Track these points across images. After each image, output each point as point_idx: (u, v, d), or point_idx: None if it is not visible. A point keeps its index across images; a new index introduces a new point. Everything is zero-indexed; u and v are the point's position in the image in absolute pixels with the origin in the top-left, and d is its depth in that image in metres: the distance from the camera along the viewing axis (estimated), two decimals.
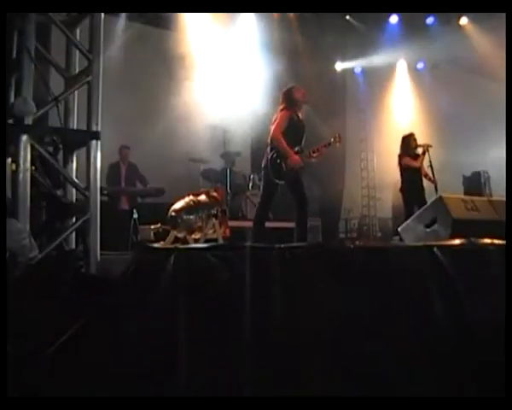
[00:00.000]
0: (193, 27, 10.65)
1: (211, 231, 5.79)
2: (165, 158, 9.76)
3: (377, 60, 13.14)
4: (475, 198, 5.50)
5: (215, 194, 6.17)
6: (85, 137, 3.93)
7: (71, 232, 4.02)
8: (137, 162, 9.36)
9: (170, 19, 10.29)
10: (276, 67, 10.56)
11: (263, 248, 3.01)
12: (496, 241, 3.41)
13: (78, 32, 4.26)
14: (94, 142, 3.86)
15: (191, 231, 5.75)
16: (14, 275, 3.08)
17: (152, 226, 6.61)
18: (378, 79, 13.36)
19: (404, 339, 2.86)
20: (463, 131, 12.02)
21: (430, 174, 8.32)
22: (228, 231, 6.24)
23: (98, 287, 2.99)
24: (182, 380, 2.49)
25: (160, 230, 6.54)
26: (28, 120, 3.64)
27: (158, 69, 10.08)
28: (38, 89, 3.88)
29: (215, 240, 5.76)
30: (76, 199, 4.25)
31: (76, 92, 4.21)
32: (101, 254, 3.84)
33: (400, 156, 8.46)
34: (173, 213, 5.69)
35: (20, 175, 3.58)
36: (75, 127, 4.35)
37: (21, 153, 3.58)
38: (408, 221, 5.35)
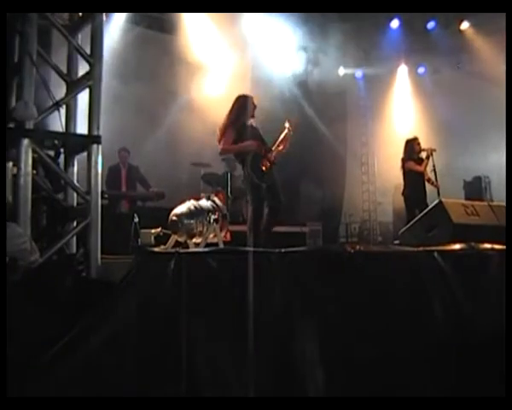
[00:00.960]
0: (196, 32, 10.68)
1: (211, 236, 5.80)
2: (166, 162, 9.78)
3: (378, 64, 13.16)
4: (476, 203, 5.51)
5: (216, 198, 6.18)
6: (86, 141, 3.94)
7: (72, 236, 4.02)
8: (138, 166, 9.35)
9: (174, 23, 10.33)
10: (277, 71, 10.61)
11: (263, 253, 3.01)
12: (496, 246, 3.41)
13: (79, 36, 4.27)
14: (95, 146, 3.87)
15: (192, 236, 5.76)
16: (15, 279, 3.08)
17: (153, 230, 6.61)
18: (379, 84, 13.38)
19: (405, 342, 2.86)
20: (464, 136, 12.01)
21: (433, 178, 8.31)
22: (228, 235, 6.25)
23: (99, 291, 2.99)
24: (183, 383, 2.50)
25: (161, 234, 6.54)
26: (29, 124, 3.65)
27: (160, 73, 10.10)
28: (40, 93, 3.88)
29: (216, 244, 5.76)
30: (77, 203, 4.25)
31: (77, 96, 4.21)
32: (102, 258, 3.84)
33: (404, 160, 8.44)
34: (174, 218, 5.70)
35: (21, 179, 3.58)
36: (76, 131, 4.35)
37: (22, 157, 3.58)
38: (408, 226, 5.35)
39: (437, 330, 2.92)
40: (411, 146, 8.48)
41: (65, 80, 4.30)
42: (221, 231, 5.86)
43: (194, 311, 2.64)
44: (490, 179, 11.49)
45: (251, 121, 5.94)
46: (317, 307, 2.88)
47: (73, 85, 4.18)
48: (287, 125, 5.93)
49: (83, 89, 3.96)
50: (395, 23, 11.81)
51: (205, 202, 6.01)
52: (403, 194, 8.55)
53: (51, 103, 3.92)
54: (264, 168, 5.66)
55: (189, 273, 2.70)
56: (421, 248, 3.29)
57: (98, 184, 3.88)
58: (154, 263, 2.72)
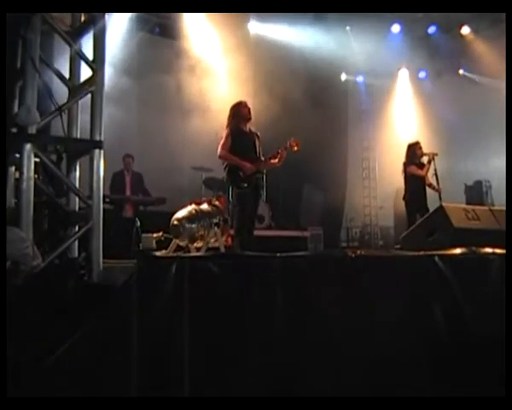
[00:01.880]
0: (198, 35, 10.72)
1: (213, 240, 5.80)
2: (167, 167, 9.79)
3: (379, 69, 13.19)
4: (477, 207, 5.51)
5: (217, 203, 6.18)
6: (88, 146, 3.95)
7: (73, 241, 4.03)
8: (140, 171, 9.38)
9: (175, 28, 10.37)
10: (280, 76, 10.61)
11: (264, 257, 3.02)
12: (497, 250, 3.41)
13: (81, 42, 4.29)
14: (97, 151, 3.88)
15: (193, 240, 5.76)
16: (17, 283, 3.09)
17: (154, 235, 6.62)
18: (380, 89, 13.40)
19: (405, 346, 2.87)
20: (465, 141, 12.02)
21: (434, 183, 8.29)
22: (230, 239, 6.26)
23: (101, 295, 3.00)
24: (185, 386, 2.50)
25: (163, 238, 6.54)
26: (32, 129, 3.66)
27: (162, 78, 10.12)
28: (42, 98, 3.90)
29: (217, 249, 5.77)
30: (79, 207, 4.26)
31: (79, 101, 4.23)
32: (104, 263, 3.85)
33: (405, 164, 8.43)
34: (175, 222, 5.70)
35: (24, 184, 3.60)
36: (78, 136, 4.37)
37: (25, 162, 3.60)
38: (409, 230, 5.36)
39: (438, 333, 2.93)
40: (413, 150, 8.46)
41: (67, 85, 4.31)
42: (222, 235, 5.86)
43: (195, 315, 2.65)
44: (491, 184, 11.49)
45: (248, 126, 6.08)
46: (319, 310, 2.89)
47: (75, 90, 4.20)
48: (288, 143, 5.98)
49: (85, 94, 3.98)
50: (396, 28, 11.84)
51: (206, 207, 6.01)
52: (404, 198, 8.54)
53: (53, 108, 3.93)
54: (241, 174, 5.85)
55: (191, 278, 2.71)
56: (422, 253, 3.30)
57: (100, 188, 3.89)
58: (156, 268, 2.73)
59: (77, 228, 4.09)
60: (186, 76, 10.47)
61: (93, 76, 3.95)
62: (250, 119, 6.04)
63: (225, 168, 6.01)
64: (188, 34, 10.58)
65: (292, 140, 6.01)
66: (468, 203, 11.01)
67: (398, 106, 13.26)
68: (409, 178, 8.38)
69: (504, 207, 5.30)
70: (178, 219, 5.70)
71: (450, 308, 3.03)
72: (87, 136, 4.00)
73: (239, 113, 5.98)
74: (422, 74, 13.15)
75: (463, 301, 3.07)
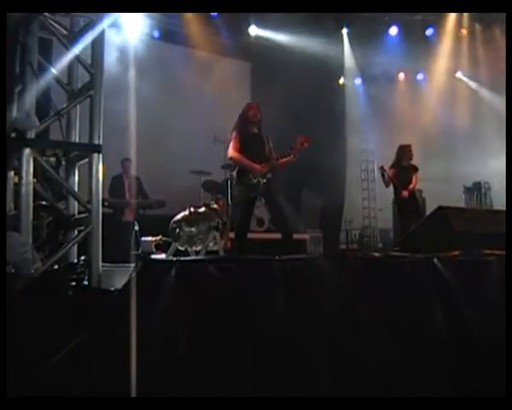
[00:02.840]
0: (197, 40, 10.75)
1: (212, 243, 5.81)
2: (166, 170, 9.80)
3: (377, 72, 13.22)
4: (475, 209, 5.52)
5: (216, 206, 6.19)
6: (87, 150, 3.96)
7: (73, 245, 4.03)
8: (139, 174, 9.39)
9: (175, 33, 10.39)
10: (278, 78, 10.63)
11: (264, 260, 3.03)
12: (496, 252, 3.42)
13: (80, 46, 4.30)
14: (95, 155, 3.89)
15: (192, 244, 5.77)
16: (17, 287, 3.09)
17: (153, 238, 6.62)
18: (378, 91, 13.41)
19: (404, 348, 2.87)
20: (464, 142, 12.05)
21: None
22: (229, 242, 6.26)
23: (100, 299, 3.00)
24: (184, 389, 2.51)
25: (162, 242, 6.55)
26: (31, 134, 3.67)
27: (161, 82, 10.14)
28: (41, 102, 3.91)
29: (216, 252, 5.77)
30: (78, 211, 4.27)
31: (78, 106, 4.24)
32: (103, 266, 3.85)
33: (392, 167, 8.47)
34: (174, 226, 5.71)
35: (23, 188, 3.60)
36: (77, 141, 4.37)
37: (24, 166, 3.60)
38: (408, 232, 5.37)
39: (437, 335, 2.93)
40: (403, 151, 8.49)
41: (66, 90, 4.32)
42: (221, 238, 5.87)
43: (194, 319, 2.65)
44: (490, 185, 11.51)
45: (256, 128, 5.91)
46: (319, 312, 2.89)
47: (74, 95, 4.21)
48: (298, 142, 5.91)
49: (84, 98, 3.99)
50: (394, 30, 11.86)
51: (205, 210, 6.02)
52: (395, 202, 8.60)
53: (52, 113, 3.95)
54: (251, 176, 5.65)
55: (190, 281, 2.71)
56: (420, 255, 3.30)
57: (99, 192, 3.90)
58: (155, 271, 2.73)
59: (76, 232, 4.09)
60: (185, 79, 10.51)
61: (91, 80, 3.96)
62: (256, 121, 5.88)
63: (234, 169, 5.85)
64: (187, 37, 10.60)
65: (300, 138, 5.93)
66: (467, 205, 11.05)
67: (397, 108, 13.26)
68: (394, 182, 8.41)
69: (503, 209, 5.31)
70: (177, 223, 5.71)
71: (450, 310, 3.03)
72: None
73: (245, 115, 5.87)
74: (420, 76, 13.17)
75: (463, 303, 3.07)
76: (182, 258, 4.18)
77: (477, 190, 11.50)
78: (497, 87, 10.65)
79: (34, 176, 3.71)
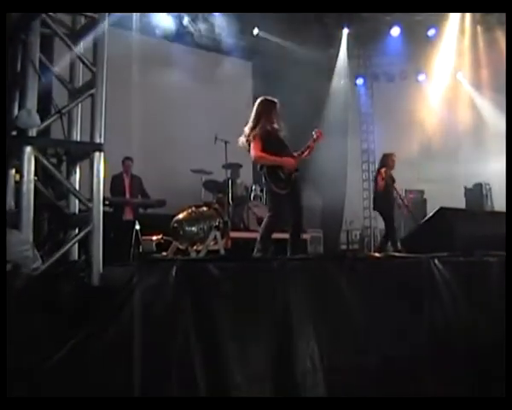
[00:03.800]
0: (199, 41, 10.75)
1: (212, 243, 5.80)
2: (167, 169, 9.81)
3: (379, 72, 13.22)
4: (476, 210, 5.52)
5: (217, 205, 6.19)
6: (88, 148, 3.95)
7: (74, 243, 4.03)
8: (140, 173, 9.40)
9: (177, 31, 10.40)
10: (279, 76, 10.64)
11: (264, 260, 3.03)
12: (496, 253, 3.42)
13: (81, 44, 4.29)
14: (97, 153, 3.87)
15: (193, 243, 5.77)
16: (17, 286, 3.09)
17: (154, 237, 6.62)
18: (380, 91, 13.42)
19: (404, 348, 2.87)
20: (465, 143, 12.04)
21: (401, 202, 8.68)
22: (229, 242, 6.26)
23: (101, 298, 3.00)
24: (184, 389, 2.50)
25: (162, 241, 6.55)
26: (32, 132, 3.66)
27: (161, 81, 10.15)
28: (42, 101, 3.90)
29: (217, 251, 5.77)
30: (79, 210, 4.26)
31: (79, 104, 4.23)
32: (104, 266, 3.85)
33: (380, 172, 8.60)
34: (175, 225, 5.71)
35: (24, 186, 3.59)
36: (78, 139, 4.37)
37: (25, 164, 3.59)
38: (409, 233, 5.36)
39: (437, 335, 2.94)
40: (386, 160, 8.70)
41: (67, 88, 4.32)
42: (222, 238, 5.86)
43: (195, 318, 2.65)
44: (491, 186, 11.50)
45: (276, 125, 5.71)
46: (318, 312, 2.89)
47: (76, 93, 4.20)
48: (314, 134, 5.86)
49: (85, 97, 3.98)
50: (396, 31, 11.85)
51: (206, 210, 6.02)
52: (376, 209, 8.72)
53: (54, 111, 3.94)
54: (281, 174, 5.51)
55: (191, 281, 2.71)
56: (421, 255, 3.30)
57: (100, 191, 3.88)
58: (156, 271, 2.73)
59: (77, 231, 4.09)
60: (187, 78, 10.51)
61: (93, 78, 3.95)
62: (274, 122, 5.66)
63: (262, 170, 5.58)
64: (189, 36, 10.61)
65: (316, 131, 5.87)
66: (467, 206, 11.04)
67: (398, 108, 13.26)
68: (382, 186, 8.54)
69: (504, 210, 5.31)
70: (178, 222, 5.71)
71: (450, 310, 3.03)
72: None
73: (270, 111, 5.63)
74: (422, 77, 13.16)
75: (463, 303, 3.08)
76: (182, 257, 4.18)
77: (478, 191, 11.49)
78: (498, 88, 10.63)
79: (35, 174, 3.71)
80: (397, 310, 2.99)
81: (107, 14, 3.96)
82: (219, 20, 10.44)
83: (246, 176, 10.04)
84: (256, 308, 2.81)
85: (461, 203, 11.00)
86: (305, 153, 5.77)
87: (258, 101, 5.76)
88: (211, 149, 8.99)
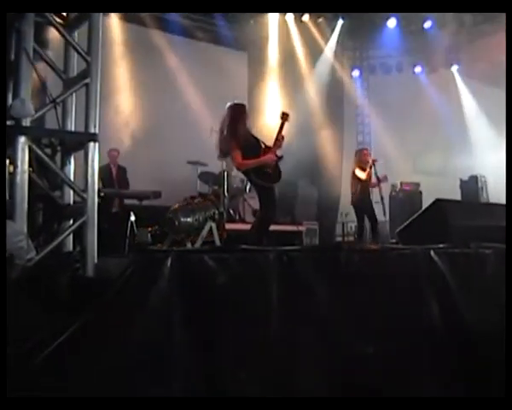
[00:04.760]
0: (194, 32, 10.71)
1: (208, 234, 5.79)
2: (162, 160, 9.78)
3: (375, 64, 13.20)
4: (472, 202, 5.52)
5: (212, 197, 6.18)
6: (83, 139, 3.92)
7: (68, 234, 4.01)
8: (134, 165, 9.38)
9: (172, 22, 10.35)
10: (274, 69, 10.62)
11: (260, 251, 3.02)
12: (492, 245, 3.42)
13: (76, 33, 4.26)
14: (92, 144, 3.85)
15: (188, 234, 5.76)
16: (12, 277, 3.07)
17: (149, 229, 6.61)
18: (376, 83, 13.40)
19: (401, 340, 2.87)
20: (461, 135, 12.06)
21: (376, 184, 8.72)
22: (224, 233, 6.25)
23: (95, 289, 2.98)
24: (179, 380, 2.50)
25: (158, 232, 6.53)
26: (26, 122, 3.64)
27: (157, 72, 10.10)
28: (36, 90, 3.87)
29: (212, 243, 5.76)
30: (73, 201, 4.24)
31: (74, 94, 4.20)
32: (98, 257, 3.83)
33: (353, 169, 8.77)
34: (170, 216, 5.70)
35: (18, 177, 3.57)
36: (73, 129, 4.34)
37: (19, 154, 3.57)
38: (405, 225, 5.36)
39: (433, 327, 2.93)
40: (359, 156, 8.91)
41: (61, 78, 4.28)
42: (218, 229, 5.85)
43: (190, 309, 2.64)
44: (486, 179, 11.52)
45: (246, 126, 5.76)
46: (314, 304, 2.89)
47: (70, 83, 4.17)
48: (281, 117, 5.84)
49: (80, 87, 3.95)
50: (392, 22, 11.82)
51: (201, 201, 6.01)
52: (352, 203, 8.76)
53: (48, 101, 3.91)
54: (269, 170, 5.57)
55: (186, 272, 2.70)
56: (417, 247, 3.30)
57: (95, 181, 3.86)
58: (151, 261, 2.72)
59: (71, 222, 4.07)
60: (182, 69, 10.46)
61: (88, 68, 3.92)
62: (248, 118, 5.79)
63: (248, 175, 5.74)
64: (184, 27, 10.57)
65: (282, 113, 5.85)
66: (463, 198, 11.06)
67: (394, 100, 13.24)
68: (356, 183, 8.63)
69: (500, 202, 5.31)
70: (173, 213, 5.70)
71: (446, 302, 3.03)
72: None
73: (241, 115, 5.73)
74: (418, 69, 13.14)
75: (459, 295, 3.08)
76: (177, 248, 4.17)
77: (473, 183, 11.51)
78: (493, 80, 10.63)
79: (29, 164, 3.68)
80: (393, 302, 2.98)
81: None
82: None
83: None
84: (252, 300, 2.80)
85: (456, 196, 11.01)
86: (279, 141, 5.73)
87: (228, 106, 5.82)
88: (206, 140, 8.97)
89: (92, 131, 3.87)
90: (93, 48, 3.93)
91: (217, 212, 5.90)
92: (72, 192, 4.18)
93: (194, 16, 10.47)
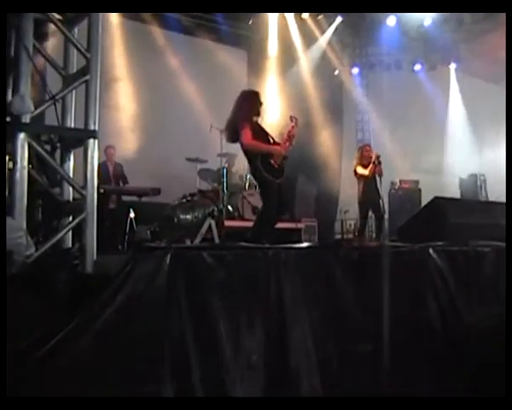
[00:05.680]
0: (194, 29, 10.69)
1: (207, 231, 5.80)
2: (162, 158, 9.77)
3: (375, 61, 13.18)
4: (471, 200, 5.53)
5: (211, 194, 6.19)
6: (82, 135, 3.93)
7: (67, 231, 4.01)
8: (134, 162, 9.37)
9: (172, 19, 10.33)
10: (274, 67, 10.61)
11: (259, 248, 3.02)
12: (491, 243, 3.43)
13: (76, 30, 4.26)
14: (91, 140, 3.85)
15: (188, 231, 5.77)
16: (11, 273, 3.08)
17: (148, 226, 6.62)
18: (375, 81, 13.38)
19: (399, 338, 2.88)
20: (460, 133, 12.05)
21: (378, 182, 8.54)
22: (223, 230, 6.26)
23: (94, 286, 2.99)
24: (176, 379, 2.50)
25: (157, 229, 6.54)
26: (25, 118, 3.64)
27: (156, 69, 10.09)
28: (36, 87, 3.87)
29: (211, 239, 5.77)
30: (73, 198, 4.25)
31: (73, 91, 4.20)
32: (98, 253, 3.84)
33: (355, 166, 8.76)
34: (170, 213, 5.71)
35: (17, 173, 3.58)
36: (72, 126, 4.34)
37: (18, 151, 3.57)
38: (405, 222, 5.37)
39: (432, 324, 2.94)
40: (361, 152, 8.86)
41: (61, 74, 4.28)
42: (217, 226, 5.86)
43: (189, 306, 2.65)
44: (485, 177, 11.52)
45: (259, 118, 5.71)
46: (313, 301, 2.89)
47: (70, 79, 4.17)
48: (291, 122, 5.81)
49: (79, 83, 3.95)
50: (392, 20, 11.80)
51: (200, 198, 6.02)
52: (358, 201, 8.83)
53: (47, 97, 3.91)
54: (273, 161, 5.47)
55: (185, 269, 2.70)
56: (416, 245, 3.30)
57: (94, 178, 3.87)
58: (150, 258, 2.72)
59: (70, 218, 4.07)
60: (182, 66, 10.45)
61: (87, 65, 3.92)
62: (259, 114, 5.70)
63: (253, 162, 5.52)
64: (184, 24, 10.55)
65: (293, 118, 5.82)
66: (462, 196, 11.06)
67: (393, 98, 13.24)
68: (359, 181, 8.64)
69: (499, 200, 5.32)
70: (173, 210, 5.71)
71: (445, 299, 3.04)
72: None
73: (255, 102, 5.66)
74: (418, 66, 13.12)
75: (457, 292, 3.08)
76: (177, 245, 4.17)
77: (473, 181, 11.51)
78: (493, 77, 10.63)
79: (29, 161, 3.68)
80: (392, 299, 2.99)
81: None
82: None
83: (241, 165, 10.01)
84: (250, 296, 2.80)
85: (456, 194, 11.01)
86: (287, 143, 5.69)
87: (242, 92, 5.78)
88: (206, 137, 8.97)
89: (92, 127, 3.87)
90: (93, 45, 3.93)
91: (216, 209, 5.91)
92: (71, 189, 4.18)
93: (194, 14, 10.44)
